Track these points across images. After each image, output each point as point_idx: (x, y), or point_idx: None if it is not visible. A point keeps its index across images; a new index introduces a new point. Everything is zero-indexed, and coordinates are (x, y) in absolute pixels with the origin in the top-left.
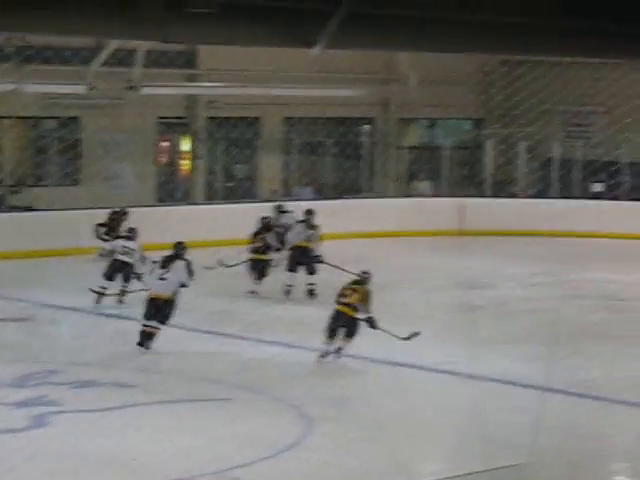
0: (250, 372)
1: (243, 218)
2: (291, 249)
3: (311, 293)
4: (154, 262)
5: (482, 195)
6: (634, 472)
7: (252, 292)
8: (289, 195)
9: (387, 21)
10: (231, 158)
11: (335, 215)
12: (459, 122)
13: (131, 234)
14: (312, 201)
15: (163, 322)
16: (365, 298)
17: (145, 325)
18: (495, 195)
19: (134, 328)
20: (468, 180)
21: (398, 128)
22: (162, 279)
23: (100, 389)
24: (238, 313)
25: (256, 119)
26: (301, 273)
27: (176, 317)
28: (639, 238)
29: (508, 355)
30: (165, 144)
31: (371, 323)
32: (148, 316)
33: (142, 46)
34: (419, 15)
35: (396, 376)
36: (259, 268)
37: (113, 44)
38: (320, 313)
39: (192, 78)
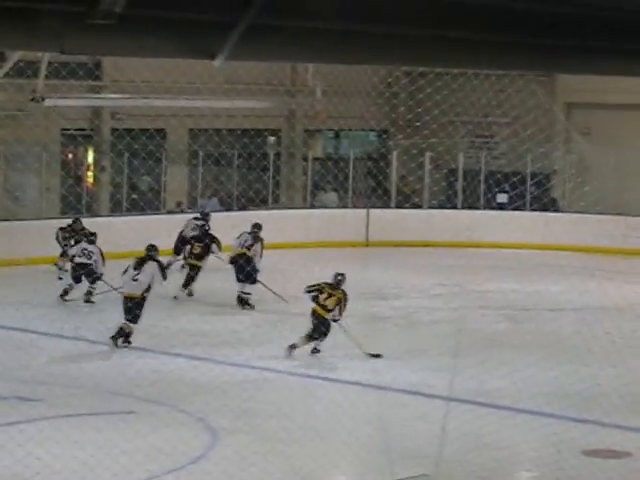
0: (154, 385)
1: (147, 230)
2: (232, 257)
3: (243, 302)
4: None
5: (387, 206)
6: None
7: (175, 297)
8: (194, 207)
9: (290, 32)
10: (135, 170)
11: (241, 227)
12: (364, 133)
13: (92, 238)
14: (217, 212)
15: (133, 321)
16: (340, 302)
17: (125, 324)
18: (400, 206)
19: (37, 341)
20: (373, 191)
21: (303, 139)
22: (134, 280)
23: (1, 403)
24: (142, 325)
25: (161, 130)
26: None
27: (79, 330)
28: (542, 248)
29: (413, 365)
30: (69, 156)
31: (341, 326)
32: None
33: (45, 57)
34: (322, 26)
35: (302, 388)
36: (192, 274)
37: (15, 55)
38: (226, 326)
39: (96, 89)
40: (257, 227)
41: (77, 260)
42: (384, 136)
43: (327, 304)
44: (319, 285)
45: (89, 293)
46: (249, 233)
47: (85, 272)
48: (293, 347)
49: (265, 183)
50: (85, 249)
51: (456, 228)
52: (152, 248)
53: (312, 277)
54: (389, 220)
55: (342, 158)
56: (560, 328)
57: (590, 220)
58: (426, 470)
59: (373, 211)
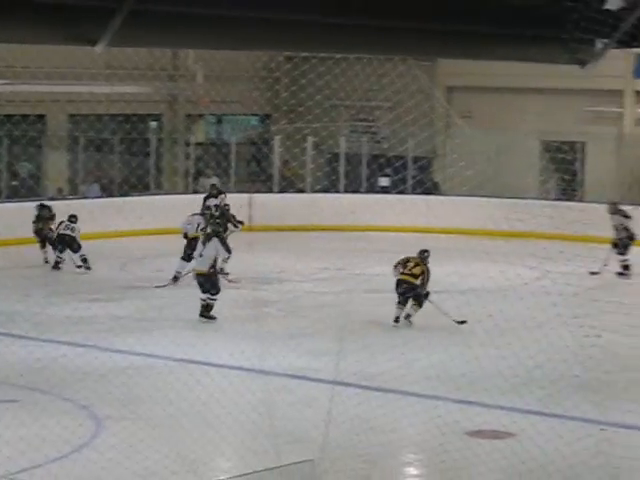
0: (38, 373)
1: (28, 216)
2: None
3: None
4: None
5: (270, 191)
6: (425, 464)
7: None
8: (75, 193)
9: (171, 18)
10: (15, 156)
11: (122, 212)
12: (246, 118)
13: (73, 218)
14: (99, 199)
15: (212, 293)
16: (425, 274)
17: (202, 299)
18: (283, 191)
19: None
20: (256, 176)
21: (185, 124)
22: (201, 256)
23: None
24: (26, 313)
25: (41, 116)
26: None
27: None
28: (425, 231)
29: (298, 350)
30: None
31: (427, 297)
32: (202, 290)
33: None
34: (204, 12)
35: (187, 374)
36: None
37: None
38: (110, 312)
39: None
40: (208, 209)
41: (61, 231)
42: (267, 121)
43: (415, 271)
44: (405, 258)
45: (84, 261)
46: (200, 215)
47: (67, 242)
48: (397, 320)
49: (147, 169)
50: (68, 225)
51: (339, 212)
52: (216, 224)
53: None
54: (272, 205)
55: (224, 143)
56: (445, 310)
57: (472, 203)
58: (312, 455)
59: (256, 196)
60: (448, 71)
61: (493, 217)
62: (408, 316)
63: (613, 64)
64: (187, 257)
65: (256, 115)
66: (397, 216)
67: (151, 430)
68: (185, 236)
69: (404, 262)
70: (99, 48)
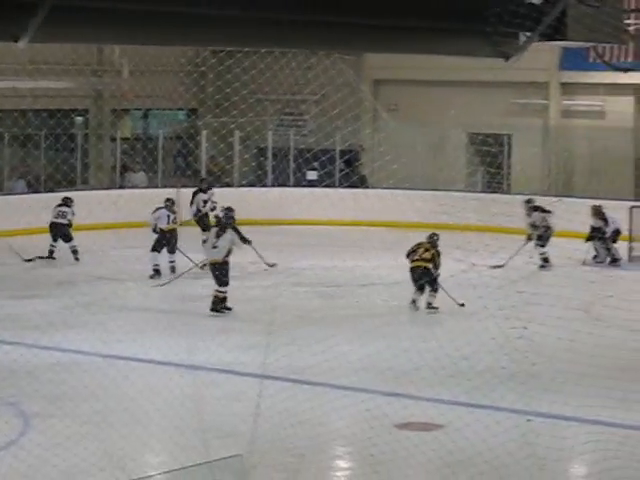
0: None
1: None
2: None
3: (173, 269)
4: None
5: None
6: (354, 457)
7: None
8: (1, 189)
9: (95, 14)
10: None
11: (48, 208)
12: (173, 113)
13: (67, 202)
14: (25, 195)
15: (223, 286)
16: (436, 258)
17: (217, 291)
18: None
19: None
20: (183, 171)
21: (111, 119)
22: (214, 247)
23: None
24: None
25: None
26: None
27: None
28: (353, 225)
29: (227, 344)
30: None
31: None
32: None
33: None
34: (127, 8)
35: (115, 370)
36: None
37: None
38: (36, 309)
39: None
40: (171, 202)
41: (54, 220)
42: (193, 116)
43: (426, 256)
44: (415, 245)
45: (75, 252)
46: (164, 208)
47: (62, 232)
48: (414, 302)
49: (73, 164)
50: (61, 211)
51: (267, 206)
52: (230, 216)
53: (123, 258)
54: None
55: (150, 138)
56: (372, 304)
57: (399, 196)
58: (241, 449)
59: (183, 191)
60: (374, 64)
61: (420, 210)
62: (429, 305)
63: (538, 57)
64: (159, 249)
65: (182, 110)
66: (324, 210)
67: (79, 427)
68: (155, 230)
69: (414, 249)
70: (22, 44)
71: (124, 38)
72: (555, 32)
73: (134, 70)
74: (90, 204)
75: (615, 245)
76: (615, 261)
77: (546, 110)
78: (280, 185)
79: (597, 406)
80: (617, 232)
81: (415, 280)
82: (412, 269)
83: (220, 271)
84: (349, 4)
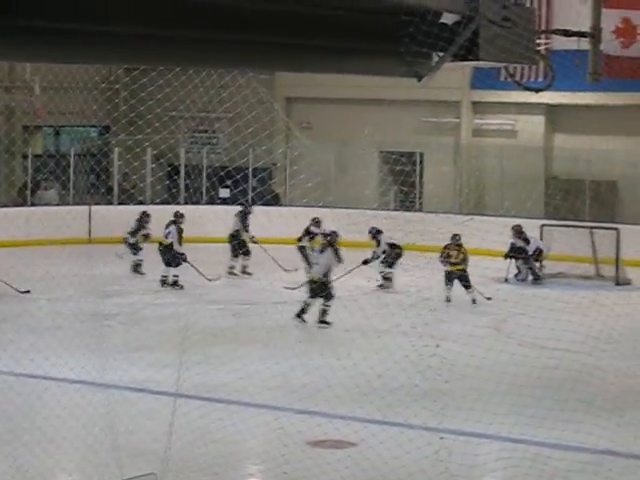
0: None
1: None
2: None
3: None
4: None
5: (110, 203)
6: (267, 475)
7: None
8: None
9: (6, 31)
10: None
11: None
12: (85, 130)
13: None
14: None
15: (327, 299)
16: (466, 257)
17: (324, 304)
18: (123, 203)
19: None
20: (95, 188)
21: (23, 136)
22: (315, 264)
23: None
24: None
25: None
26: None
27: None
28: (266, 242)
29: (139, 362)
30: None
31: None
32: (311, 295)
33: None
34: (39, 25)
35: (28, 389)
36: None
37: None
38: None
39: None
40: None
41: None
42: (105, 133)
43: (459, 259)
44: (445, 250)
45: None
46: (174, 223)
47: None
48: (448, 300)
49: None
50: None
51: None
52: (333, 235)
53: (34, 275)
54: (112, 217)
55: (63, 155)
56: (286, 322)
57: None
58: (154, 468)
59: (95, 208)
60: (287, 82)
61: (332, 228)
62: (474, 301)
63: (450, 75)
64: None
65: (95, 127)
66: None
67: None
68: (171, 246)
69: (446, 255)
70: None
71: (36, 56)
72: (467, 52)
73: (46, 87)
74: (1, 221)
75: (537, 264)
76: (538, 279)
77: (458, 129)
78: (193, 203)
79: (509, 423)
80: (539, 251)
81: (450, 280)
82: (448, 273)
83: (320, 287)
84: (261, 22)
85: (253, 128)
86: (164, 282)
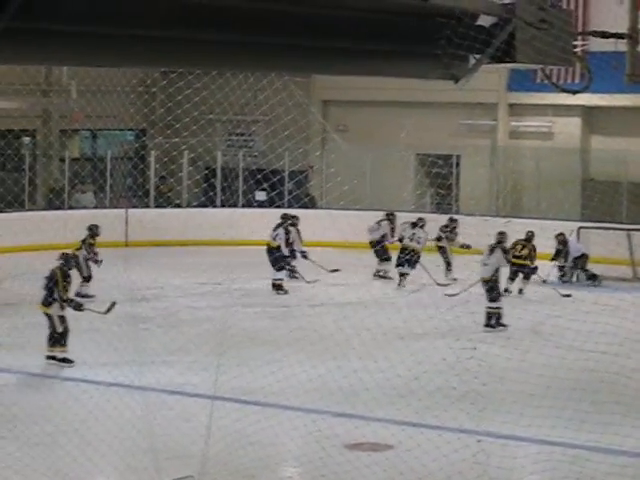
0: None
1: None
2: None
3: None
4: None
5: (147, 206)
6: (305, 477)
7: None
8: None
9: (44, 35)
10: None
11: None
12: (122, 133)
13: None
14: None
15: (493, 300)
16: (533, 252)
17: (489, 307)
18: (160, 206)
19: None
20: (132, 191)
21: (60, 140)
22: (485, 264)
23: None
24: None
25: None
26: None
27: None
28: (303, 245)
29: (176, 365)
30: None
31: (535, 271)
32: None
33: None
34: (76, 30)
35: (65, 392)
36: None
37: None
38: None
39: None
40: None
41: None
42: (142, 137)
43: (522, 254)
44: (514, 242)
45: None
46: (281, 226)
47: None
48: (506, 290)
49: (22, 185)
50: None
51: (217, 227)
52: (501, 236)
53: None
54: (149, 220)
55: (100, 158)
56: (322, 325)
57: (350, 216)
58: (192, 471)
59: (132, 211)
60: (324, 85)
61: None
62: (521, 290)
63: (487, 78)
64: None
65: (132, 130)
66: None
67: (29, 449)
68: (279, 248)
69: (513, 246)
70: None
71: (73, 60)
72: (504, 54)
73: (83, 90)
74: (39, 224)
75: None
76: (594, 278)
77: (494, 131)
78: (230, 206)
79: (547, 426)
80: (586, 256)
81: (512, 274)
82: (512, 264)
83: (489, 287)
84: (300, 26)
85: (289, 131)
86: (274, 285)
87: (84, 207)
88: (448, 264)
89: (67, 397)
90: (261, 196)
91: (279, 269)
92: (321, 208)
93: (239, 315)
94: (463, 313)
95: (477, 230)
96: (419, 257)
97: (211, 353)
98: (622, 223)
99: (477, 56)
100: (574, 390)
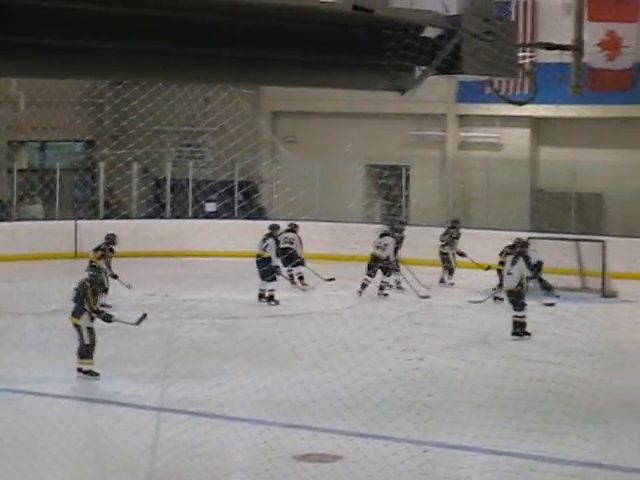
0: None
1: None
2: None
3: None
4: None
5: (96, 217)
6: None
7: None
8: None
9: None
10: None
11: None
12: (70, 144)
13: (292, 228)
14: None
15: (519, 309)
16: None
17: (515, 316)
18: (108, 217)
19: None
20: (81, 202)
21: (7, 151)
22: (509, 274)
23: None
24: None
25: None
26: None
27: None
28: (251, 256)
29: (125, 377)
30: None
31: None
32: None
33: None
34: (24, 41)
35: (11, 405)
36: None
37: None
38: None
39: None
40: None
41: (281, 245)
42: (90, 148)
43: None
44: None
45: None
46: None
47: (288, 256)
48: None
49: None
50: (286, 237)
51: (165, 238)
52: (519, 242)
53: (20, 291)
54: (98, 231)
55: (47, 169)
56: (270, 336)
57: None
58: None
59: (81, 222)
60: (273, 96)
61: (320, 241)
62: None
63: (436, 89)
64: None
65: (80, 141)
66: (223, 242)
67: None
68: (270, 259)
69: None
70: None
71: (19, 71)
72: (450, 66)
73: (30, 102)
74: None
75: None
76: (549, 289)
77: (443, 142)
78: (179, 217)
79: (493, 436)
80: (540, 264)
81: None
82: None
83: (515, 297)
84: (246, 37)
85: (237, 142)
86: (261, 296)
87: (33, 218)
88: (450, 271)
89: (13, 410)
90: (210, 207)
91: (270, 280)
92: (270, 219)
93: (187, 327)
94: (409, 324)
95: (426, 241)
96: (389, 263)
97: (159, 365)
98: (570, 233)
99: (423, 67)
100: (521, 400)
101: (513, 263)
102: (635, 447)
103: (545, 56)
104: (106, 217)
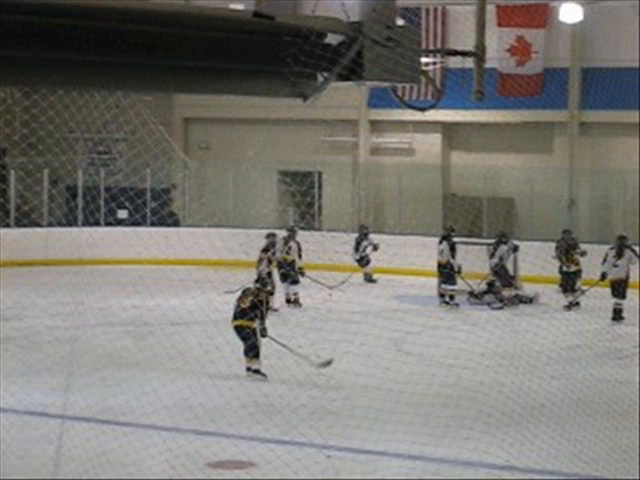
0: None
1: None
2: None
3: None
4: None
5: (7, 225)
6: None
7: None
8: None
9: None
10: None
11: None
12: None
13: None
14: None
15: (621, 298)
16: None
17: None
18: (19, 225)
19: None
20: None
21: None
22: (615, 266)
23: None
24: None
25: None
26: None
27: None
28: (163, 263)
29: (34, 386)
30: None
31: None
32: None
33: None
34: None
35: None
36: None
37: None
38: None
39: None
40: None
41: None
42: (3, 156)
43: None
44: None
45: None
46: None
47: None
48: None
49: None
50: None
51: (76, 245)
52: (624, 238)
53: None
54: (9, 239)
55: None
56: (182, 342)
57: (209, 233)
58: None
59: None
60: (184, 103)
61: (231, 247)
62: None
63: (347, 95)
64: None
65: None
66: (135, 248)
67: None
68: (294, 262)
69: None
70: None
71: None
72: (352, 73)
73: None
74: None
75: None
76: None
77: (356, 147)
78: (91, 224)
79: (407, 441)
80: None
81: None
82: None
83: (618, 285)
84: (150, 45)
85: (150, 149)
86: (288, 301)
87: None
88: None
89: None
90: (122, 214)
91: (293, 282)
92: (183, 225)
93: (97, 334)
94: (313, 330)
95: (340, 247)
96: (294, 268)
97: (72, 373)
98: (482, 237)
99: (325, 74)
100: (434, 405)
101: (618, 256)
102: (547, 450)
103: (456, 62)
104: (17, 224)
